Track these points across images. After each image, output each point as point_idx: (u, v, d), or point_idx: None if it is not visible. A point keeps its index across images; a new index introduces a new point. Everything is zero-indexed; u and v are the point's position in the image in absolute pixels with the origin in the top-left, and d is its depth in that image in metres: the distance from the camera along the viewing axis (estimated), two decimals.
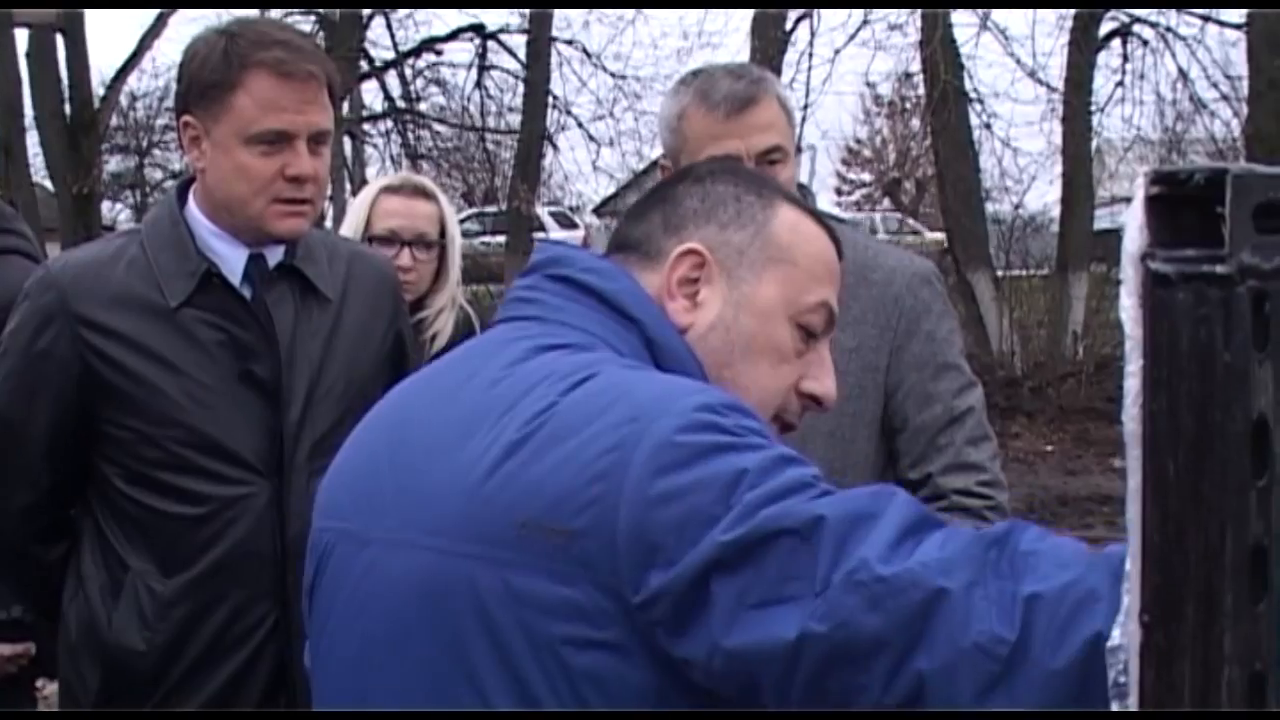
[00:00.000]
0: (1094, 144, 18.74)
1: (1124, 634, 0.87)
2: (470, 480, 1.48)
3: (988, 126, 17.78)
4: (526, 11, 19.47)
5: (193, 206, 2.65)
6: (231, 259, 2.62)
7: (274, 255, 2.64)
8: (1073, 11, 17.36)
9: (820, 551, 1.30)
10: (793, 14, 17.73)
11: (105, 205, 24.99)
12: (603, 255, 1.71)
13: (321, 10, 19.53)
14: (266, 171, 2.54)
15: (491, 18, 20.10)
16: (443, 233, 3.78)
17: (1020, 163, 18.14)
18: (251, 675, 2.59)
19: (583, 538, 1.39)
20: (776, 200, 1.72)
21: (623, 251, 1.71)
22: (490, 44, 20.21)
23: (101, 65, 34.73)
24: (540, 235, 23.76)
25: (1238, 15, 17.09)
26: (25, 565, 2.74)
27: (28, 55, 18.84)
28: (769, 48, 17.06)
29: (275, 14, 18.76)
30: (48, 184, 20.54)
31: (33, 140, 19.62)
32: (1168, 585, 0.84)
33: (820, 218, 1.77)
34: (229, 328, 2.59)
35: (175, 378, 2.56)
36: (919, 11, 17.03)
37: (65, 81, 19.23)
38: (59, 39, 18.89)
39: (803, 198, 2.81)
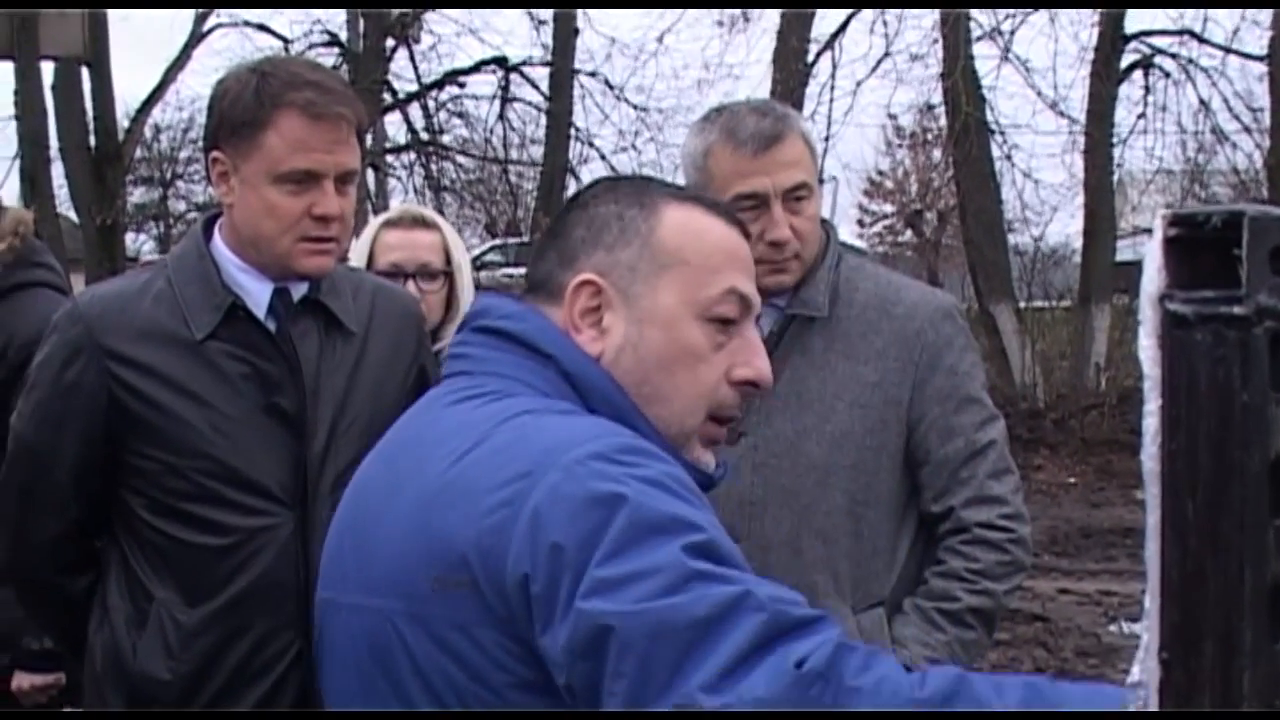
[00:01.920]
0: (1116, 176, 18.72)
1: (1144, 670, 0.87)
2: (394, 536, 1.55)
3: (1009, 158, 17.80)
4: (549, 43, 19.55)
5: (218, 240, 2.67)
6: (256, 292, 2.63)
7: (299, 289, 2.66)
8: (1094, 43, 17.37)
9: (656, 663, 1.33)
10: (814, 46, 17.78)
11: (129, 236, 25.16)
12: (517, 299, 1.75)
13: (345, 44, 19.61)
14: (294, 210, 2.56)
15: (514, 51, 20.20)
16: (448, 260, 3.71)
17: (1041, 194, 18.13)
18: (274, 705, 2.60)
19: (483, 588, 1.44)
20: (660, 204, 1.71)
21: (531, 292, 1.74)
22: (513, 76, 20.29)
23: (126, 97, 34.93)
24: None
25: (1260, 46, 17.09)
26: (53, 597, 2.75)
27: (53, 88, 18.97)
28: (790, 80, 17.10)
29: (298, 47, 18.89)
30: (72, 215, 20.64)
31: (57, 172, 19.77)
32: (1187, 623, 0.85)
33: (714, 205, 1.76)
34: (254, 360, 2.61)
35: (201, 409, 2.57)
36: (940, 43, 17.07)
37: (90, 113, 19.34)
38: (84, 71, 19.00)
39: (825, 233, 2.83)
